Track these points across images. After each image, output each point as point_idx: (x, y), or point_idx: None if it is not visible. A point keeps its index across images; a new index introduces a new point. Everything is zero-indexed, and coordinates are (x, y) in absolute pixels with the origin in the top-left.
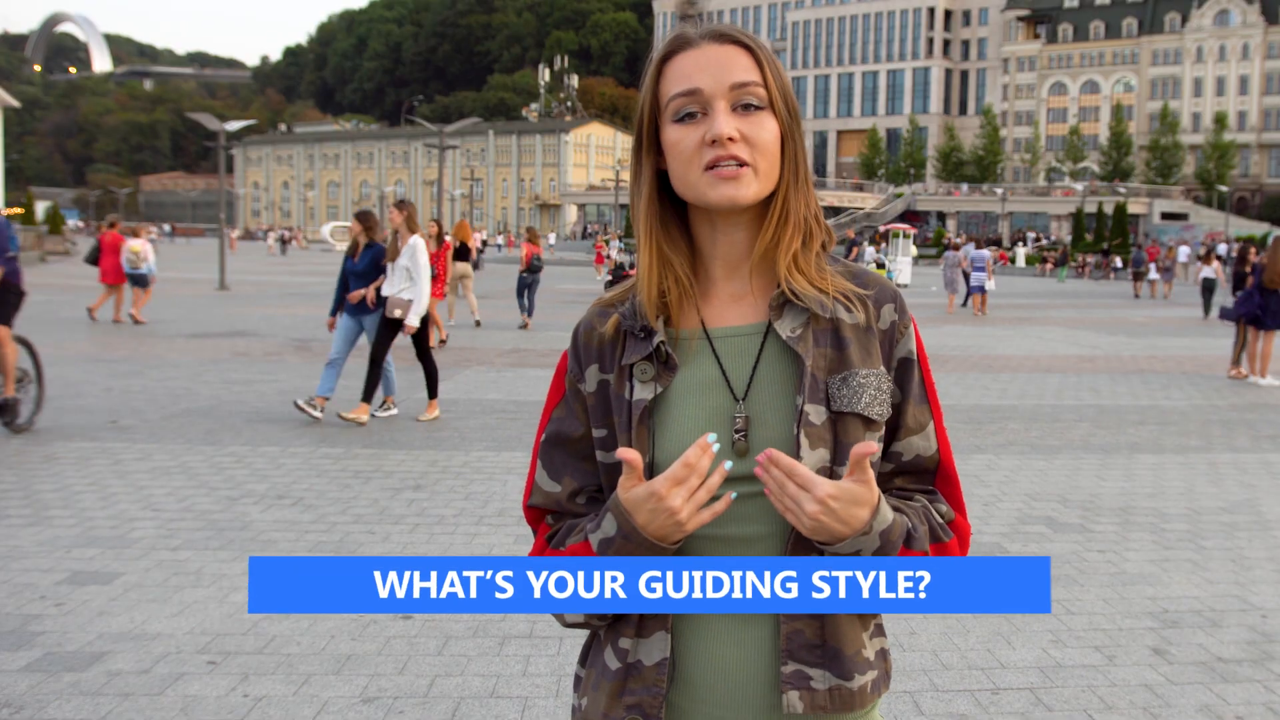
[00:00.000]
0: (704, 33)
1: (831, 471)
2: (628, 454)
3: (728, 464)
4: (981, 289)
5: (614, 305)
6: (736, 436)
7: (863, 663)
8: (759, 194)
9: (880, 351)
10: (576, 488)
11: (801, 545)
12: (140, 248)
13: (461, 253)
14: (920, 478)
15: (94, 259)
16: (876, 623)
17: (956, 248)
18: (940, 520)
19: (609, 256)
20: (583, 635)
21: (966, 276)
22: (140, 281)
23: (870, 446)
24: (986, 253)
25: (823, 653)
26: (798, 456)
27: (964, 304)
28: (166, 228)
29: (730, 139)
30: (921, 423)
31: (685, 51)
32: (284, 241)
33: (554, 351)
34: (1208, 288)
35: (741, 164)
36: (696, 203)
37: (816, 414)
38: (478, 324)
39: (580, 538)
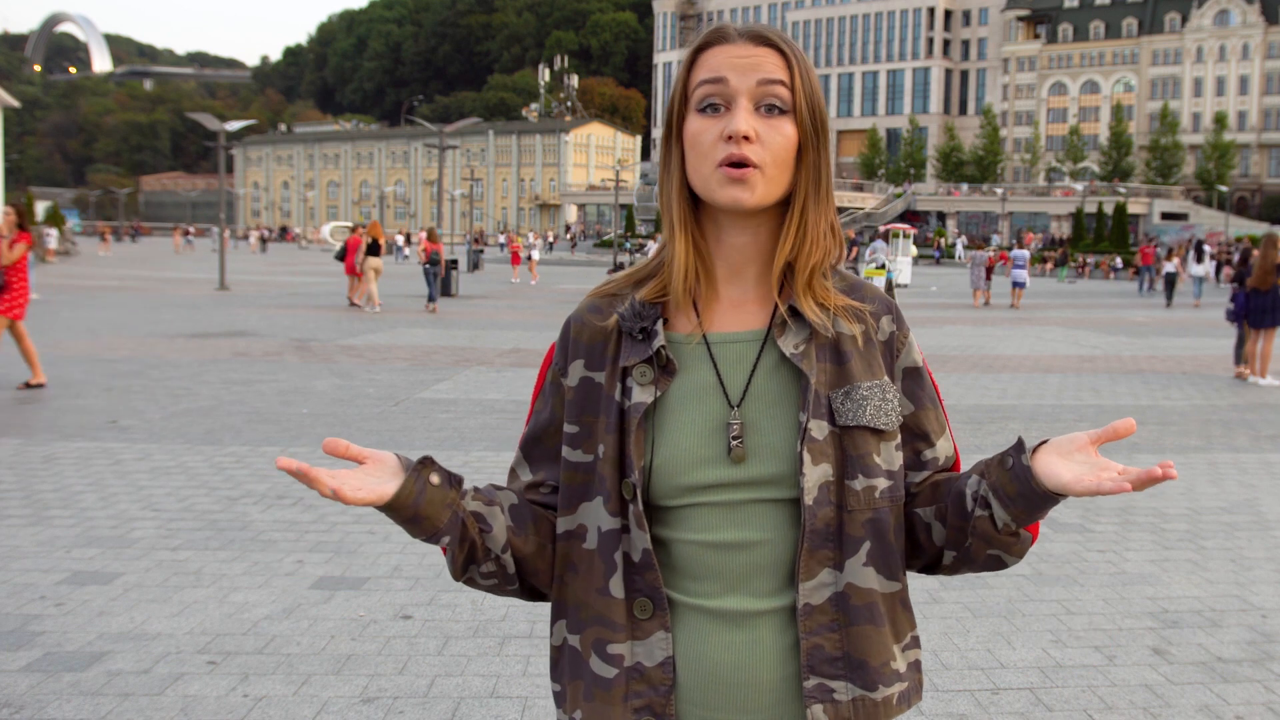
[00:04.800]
0: (742, 30)
1: (840, 485)
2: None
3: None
4: (1023, 284)
5: (609, 300)
6: (734, 443)
7: (890, 674)
8: (764, 198)
9: (882, 362)
10: (542, 479)
11: (816, 545)
12: None
13: (373, 248)
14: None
15: (341, 256)
16: (913, 634)
17: (980, 247)
18: None
19: (528, 258)
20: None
21: (988, 271)
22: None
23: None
24: (1026, 252)
25: (845, 664)
26: (800, 471)
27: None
28: (135, 227)
29: (746, 137)
30: (943, 425)
31: (721, 45)
32: (264, 240)
33: None
34: (1169, 282)
35: (752, 165)
36: (705, 197)
37: (819, 429)
38: (376, 311)
39: None
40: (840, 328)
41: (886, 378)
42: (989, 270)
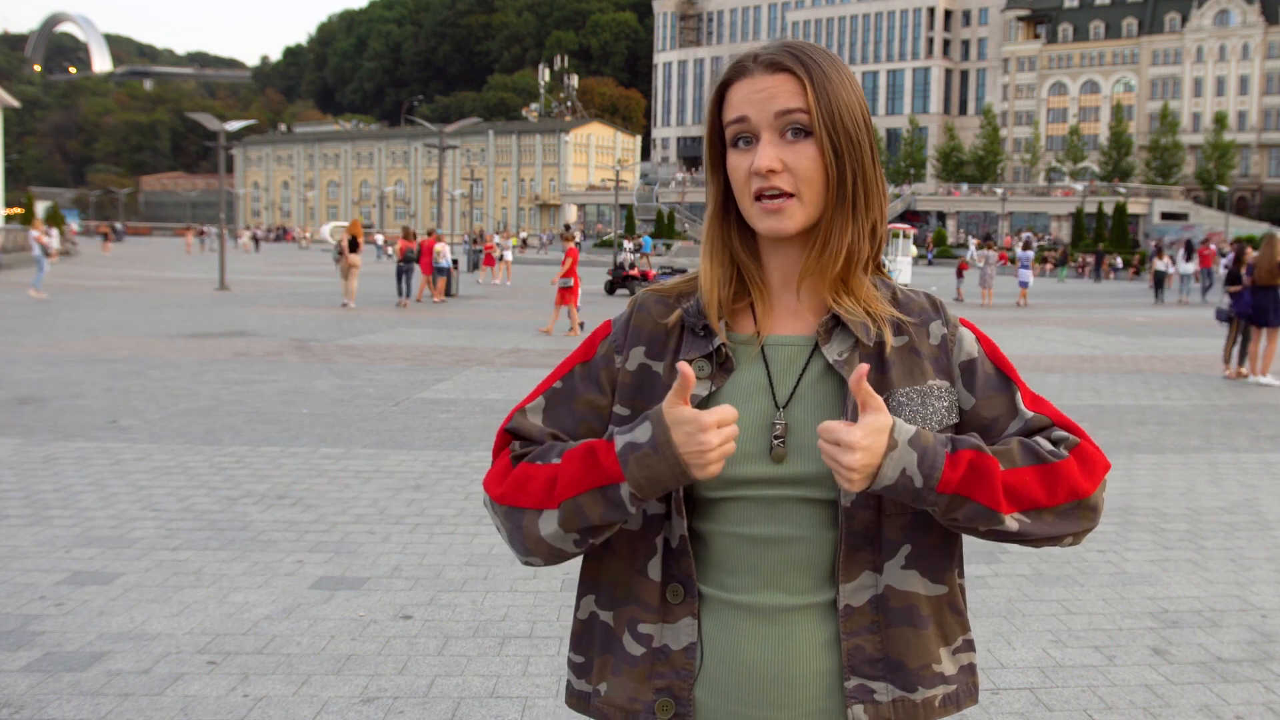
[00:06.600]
0: (762, 59)
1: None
2: (684, 368)
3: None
4: (1026, 283)
5: (674, 297)
6: (775, 442)
7: (932, 677)
8: (805, 223)
9: (934, 367)
10: (555, 434)
11: (855, 547)
12: (442, 249)
13: (352, 245)
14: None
15: (417, 257)
16: (965, 638)
17: (991, 246)
18: (1049, 447)
19: (500, 259)
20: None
21: (959, 272)
22: (442, 272)
23: (861, 370)
24: (1030, 253)
25: (884, 666)
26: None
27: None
28: (119, 226)
29: (771, 170)
30: (1012, 407)
31: (740, 80)
32: (257, 240)
33: (554, 352)
34: (1158, 280)
35: (786, 195)
36: (753, 226)
37: None
38: (345, 305)
39: (572, 447)
40: (885, 337)
41: (933, 381)
42: (960, 271)
